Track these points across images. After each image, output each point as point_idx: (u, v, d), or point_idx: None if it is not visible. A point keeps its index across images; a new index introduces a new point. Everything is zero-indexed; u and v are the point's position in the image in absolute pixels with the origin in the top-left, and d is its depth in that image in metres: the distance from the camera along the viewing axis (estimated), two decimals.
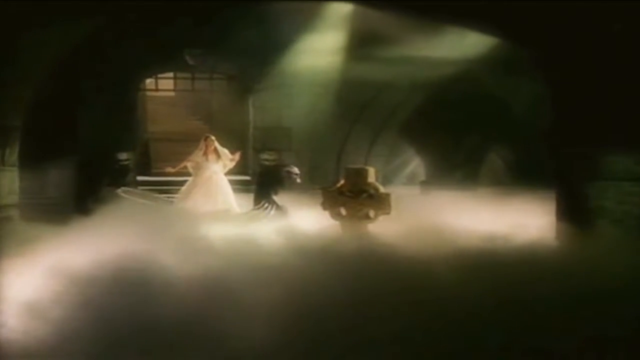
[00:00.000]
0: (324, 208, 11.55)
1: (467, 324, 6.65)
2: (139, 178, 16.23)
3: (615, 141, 9.07)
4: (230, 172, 14.18)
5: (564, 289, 7.22)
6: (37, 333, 6.54)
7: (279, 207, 12.72)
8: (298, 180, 13.10)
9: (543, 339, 6.58)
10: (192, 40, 14.98)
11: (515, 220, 10.55)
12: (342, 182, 11.77)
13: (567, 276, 7.57)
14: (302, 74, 15.33)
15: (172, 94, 21.24)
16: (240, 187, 14.30)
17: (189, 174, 14.14)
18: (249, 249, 8.87)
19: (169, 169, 14.38)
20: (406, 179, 19.21)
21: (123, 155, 15.10)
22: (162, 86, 18.12)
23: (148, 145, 18.61)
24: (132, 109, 16.12)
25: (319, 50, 14.70)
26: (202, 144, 14.04)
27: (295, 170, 13.12)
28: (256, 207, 12.84)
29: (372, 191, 11.34)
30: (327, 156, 16.60)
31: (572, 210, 9.48)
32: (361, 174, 11.60)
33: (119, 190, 13.65)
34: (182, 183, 14.45)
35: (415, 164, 19.51)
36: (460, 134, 17.43)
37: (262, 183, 13.12)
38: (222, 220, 12.02)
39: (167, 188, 15.08)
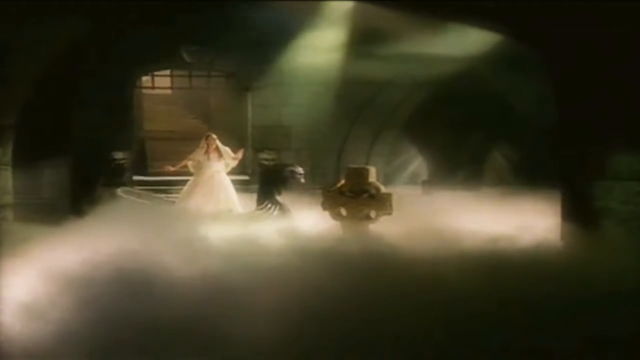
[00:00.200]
0: (324, 208, 11.57)
1: (470, 325, 6.66)
2: (135, 177, 16.23)
3: (620, 140, 9.07)
4: (228, 172, 14.18)
5: (568, 290, 7.23)
6: (33, 333, 6.57)
7: (282, 208, 12.70)
8: (302, 180, 13.08)
9: (547, 341, 6.60)
10: (189, 37, 15.00)
11: (519, 221, 10.55)
12: (342, 181, 11.78)
13: (572, 277, 7.58)
14: (302, 72, 15.33)
15: (168, 91, 21.28)
16: (239, 186, 14.29)
17: (187, 174, 14.14)
18: (251, 250, 8.88)
19: (169, 168, 14.36)
20: (408, 178, 19.23)
21: (119, 155, 15.11)
22: (158, 84, 18.11)
23: (144, 144, 18.59)
24: (128, 107, 16.12)
25: (319, 48, 14.72)
26: (203, 143, 14.03)
27: (299, 170, 13.11)
28: (259, 207, 12.82)
29: (373, 191, 11.36)
30: (327, 155, 16.62)
31: (577, 211, 9.47)
32: (362, 173, 11.61)
33: (119, 190, 13.66)
34: (179, 183, 14.45)
35: (417, 164, 19.54)
36: (463, 133, 17.45)
37: (265, 183, 13.11)
38: (224, 221, 12.02)
39: (164, 188, 15.08)
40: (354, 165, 12.76)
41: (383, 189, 11.52)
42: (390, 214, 11.22)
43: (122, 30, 13.31)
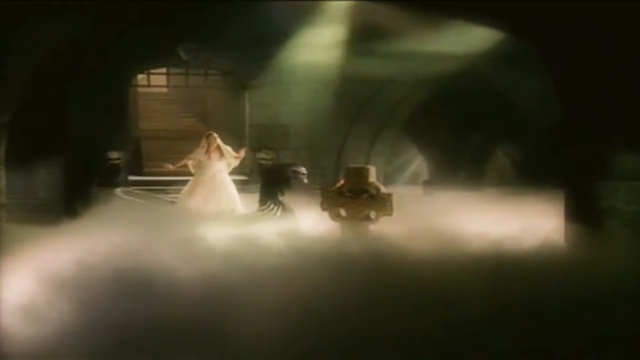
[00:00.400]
0: (323, 209, 11.56)
1: (472, 327, 6.68)
2: (131, 178, 16.22)
3: (625, 139, 9.08)
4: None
5: (573, 291, 7.25)
6: (28, 334, 6.62)
7: (285, 208, 12.68)
8: (305, 180, 13.07)
9: (551, 342, 6.62)
10: (186, 35, 14.98)
11: (522, 222, 10.54)
12: (341, 181, 11.78)
13: (576, 279, 7.59)
14: (300, 70, 15.33)
15: (164, 90, 21.27)
16: (237, 187, 14.27)
17: (184, 174, 14.13)
18: (252, 251, 8.88)
19: (168, 167, 14.30)
20: (408, 178, 19.25)
21: (114, 154, 15.09)
22: (154, 82, 18.12)
23: (140, 143, 18.61)
24: (123, 106, 16.12)
25: (318, 45, 14.70)
26: (204, 142, 14.01)
27: (302, 169, 13.10)
28: (262, 207, 12.81)
29: (373, 191, 11.35)
30: (326, 155, 16.62)
31: (581, 211, 9.48)
32: (362, 173, 11.61)
33: (118, 191, 13.65)
34: (175, 183, 14.44)
35: (418, 163, 19.55)
36: (465, 132, 17.46)
37: (268, 183, 13.10)
38: (226, 221, 12.02)
39: (160, 188, 15.07)
40: (354, 165, 12.77)
41: (383, 189, 11.52)
42: (390, 214, 11.22)
43: (118, 28, 13.28)
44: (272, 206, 12.72)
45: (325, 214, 11.55)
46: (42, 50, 10.70)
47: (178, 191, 14.14)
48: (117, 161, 15.17)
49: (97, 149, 14.76)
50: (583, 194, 9.52)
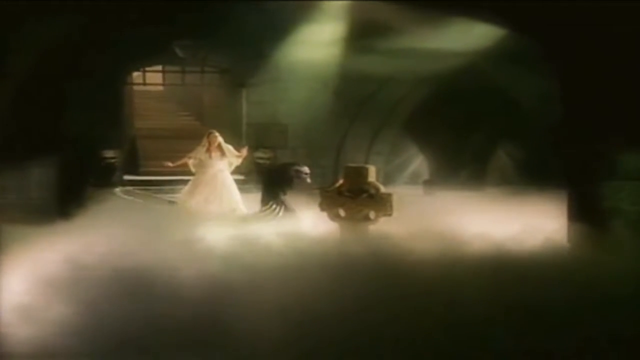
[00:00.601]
0: (322, 209, 11.53)
1: (474, 329, 6.70)
2: (126, 177, 16.22)
3: (629, 138, 9.07)
4: None
5: (575, 292, 7.25)
6: (26, 335, 6.72)
7: (287, 208, 12.66)
8: (308, 180, 13.06)
9: (554, 344, 6.63)
10: (182, 31, 14.97)
11: (524, 222, 10.54)
12: (340, 181, 11.75)
13: (579, 279, 7.59)
14: (299, 68, 15.33)
15: (160, 88, 21.32)
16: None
17: (181, 173, 14.14)
18: (252, 252, 8.89)
19: (168, 164, 14.28)
20: (409, 178, 19.21)
21: (109, 153, 15.10)
22: (150, 80, 18.13)
23: (135, 142, 18.62)
24: (119, 104, 16.13)
25: (317, 42, 14.70)
26: (205, 141, 14.01)
27: (305, 169, 13.09)
28: (264, 207, 12.80)
29: (372, 191, 11.33)
30: (325, 154, 16.61)
31: (585, 212, 9.48)
32: (361, 173, 11.58)
33: (118, 191, 13.66)
34: (172, 182, 14.43)
35: (418, 163, 19.52)
36: (466, 131, 17.45)
37: (270, 183, 13.07)
38: (228, 222, 12.01)
39: (156, 187, 15.07)
40: (353, 164, 12.74)
41: (383, 189, 11.49)
42: (390, 214, 11.20)
43: (114, 26, 13.27)
44: (274, 206, 12.70)
45: (324, 214, 11.53)
46: (37, 49, 10.70)
47: (174, 191, 14.14)
48: (112, 160, 15.19)
49: (92, 148, 14.77)
50: (586, 194, 9.52)
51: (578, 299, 7.12)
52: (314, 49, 14.88)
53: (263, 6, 13.58)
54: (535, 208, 11.74)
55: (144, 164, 17.96)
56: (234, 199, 13.69)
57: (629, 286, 7.44)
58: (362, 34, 14.17)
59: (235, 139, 15.79)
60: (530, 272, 7.86)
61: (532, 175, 15.35)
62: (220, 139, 13.97)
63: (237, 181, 14.75)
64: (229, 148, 14.03)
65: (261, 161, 15.34)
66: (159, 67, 18.39)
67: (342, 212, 11.40)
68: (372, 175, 11.56)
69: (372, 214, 11.26)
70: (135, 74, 17.58)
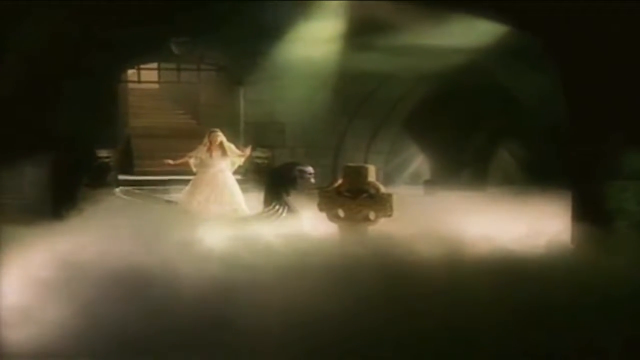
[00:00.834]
0: (321, 209, 11.53)
1: (475, 330, 6.71)
2: (121, 177, 16.20)
3: (634, 137, 9.08)
4: None
5: (580, 294, 7.26)
6: (21, 336, 6.82)
7: (290, 209, 12.65)
8: (312, 180, 13.05)
9: (557, 346, 6.63)
10: (178, 28, 14.95)
11: (527, 223, 10.57)
12: (340, 181, 11.75)
13: (584, 281, 7.60)
14: (297, 65, 15.31)
15: (156, 86, 21.27)
16: None
17: (177, 173, 14.12)
18: (253, 253, 8.90)
19: (169, 162, 14.25)
20: (409, 178, 19.20)
21: (103, 153, 15.07)
22: (145, 77, 18.06)
23: (130, 141, 18.60)
24: (113, 102, 16.09)
25: (316, 39, 14.68)
26: (206, 139, 14.00)
27: (309, 169, 13.08)
28: (266, 208, 12.79)
29: (372, 191, 11.33)
30: (323, 153, 16.60)
31: (589, 212, 9.49)
32: (360, 172, 11.58)
33: (117, 190, 13.65)
34: (166, 183, 14.42)
35: (419, 162, 19.51)
36: (468, 130, 17.44)
37: (273, 183, 13.06)
38: (229, 222, 12.01)
39: (150, 188, 15.05)
40: (352, 164, 12.73)
41: (383, 189, 11.49)
42: (390, 215, 11.20)
43: (109, 23, 13.26)
44: (277, 207, 12.69)
45: (323, 215, 11.53)
46: (30, 47, 10.69)
47: (168, 191, 14.13)
48: (106, 160, 15.16)
49: (86, 147, 14.73)
50: (590, 194, 9.53)
51: (582, 300, 7.13)
52: (312, 46, 14.86)
53: (260, 3, 13.57)
54: (538, 208, 11.76)
55: (139, 163, 17.95)
56: (236, 199, 13.69)
57: (634, 287, 7.44)
58: (361, 31, 14.16)
59: (233, 138, 15.78)
60: (534, 274, 7.88)
61: (535, 175, 15.34)
62: (221, 138, 13.96)
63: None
64: (231, 147, 14.03)
65: (259, 161, 15.32)
66: (154, 65, 18.34)
67: (341, 213, 11.40)
68: (371, 175, 11.56)
69: (371, 215, 11.25)
70: (130, 71, 17.54)
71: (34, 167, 14.02)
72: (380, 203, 11.26)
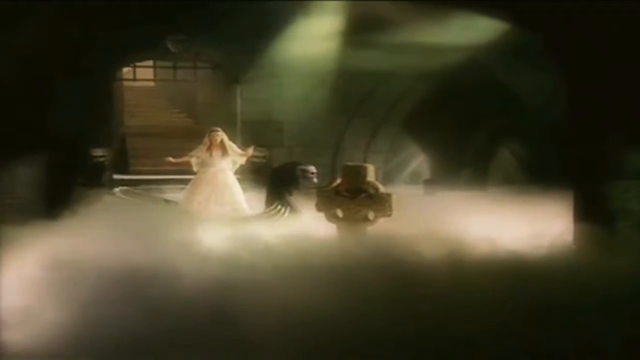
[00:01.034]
0: (319, 209, 11.53)
1: (476, 332, 6.72)
2: (116, 177, 16.20)
3: (637, 136, 9.08)
4: None
5: (582, 295, 7.26)
6: (19, 336, 6.91)
7: (293, 209, 12.64)
8: (315, 180, 13.05)
9: (560, 348, 6.64)
10: (174, 25, 14.94)
11: (528, 223, 10.56)
12: (338, 180, 11.75)
13: (586, 282, 7.60)
14: (295, 63, 15.32)
15: (151, 84, 21.30)
16: None
17: (174, 172, 14.11)
18: (254, 253, 8.91)
19: (170, 160, 14.24)
20: (409, 177, 19.21)
21: (98, 152, 15.06)
22: (140, 75, 18.09)
23: (125, 140, 18.60)
24: (108, 100, 16.08)
25: (314, 37, 14.68)
26: (206, 139, 14.00)
27: (312, 168, 13.07)
28: (268, 208, 12.78)
29: (371, 191, 11.33)
30: (322, 152, 16.60)
31: (591, 212, 9.49)
32: (359, 172, 11.58)
33: (116, 190, 13.65)
34: (163, 182, 14.41)
35: (419, 161, 19.51)
36: (468, 128, 17.45)
37: (275, 183, 13.04)
38: (230, 223, 12.01)
39: (144, 187, 15.05)
40: (351, 163, 12.75)
41: (382, 189, 11.49)
42: (389, 215, 11.20)
43: (104, 21, 13.25)
44: (279, 207, 12.67)
45: (321, 215, 11.52)
46: (19, 41, 10.68)
47: (162, 191, 14.13)
48: (101, 159, 15.14)
49: (79, 146, 14.72)
50: (592, 194, 9.53)
51: (584, 301, 7.13)
52: (310, 43, 14.87)
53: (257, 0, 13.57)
54: (539, 209, 11.77)
55: (134, 162, 17.95)
56: (236, 199, 13.69)
57: (637, 288, 7.44)
58: (360, 29, 14.17)
59: (230, 137, 15.77)
60: (535, 274, 7.88)
61: (536, 175, 15.37)
62: (222, 137, 13.95)
63: None
64: (232, 146, 14.03)
65: (256, 160, 15.31)
66: (150, 63, 18.35)
67: (339, 213, 11.39)
68: (371, 174, 11.55)
69: (371, 215, 11.25)
70: (125, 69, 17.55)
71: (27, 166, 13.99)
72: (380, 203, 11.25)
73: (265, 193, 13.03)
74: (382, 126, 17.57)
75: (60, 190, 13.72)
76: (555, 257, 8.97)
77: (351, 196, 11.34)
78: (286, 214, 12.61)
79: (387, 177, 16.91)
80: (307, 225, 11.87)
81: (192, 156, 13.96)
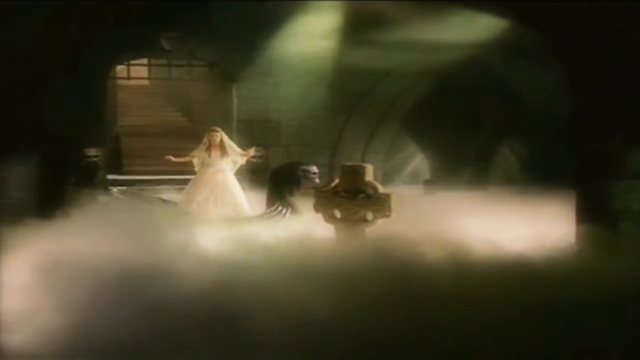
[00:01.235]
0: (316, 210, 11.53)
1: (476, 333, 6.74)
2: (110, 177, 16.20)
3: None
4: None
5: (584, 297, 7.28)
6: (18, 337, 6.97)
7: (294, 210, 12.65)
8: (317, 180, 13.05)
9: (561, 349, 6.67)
10: (168, 23, 14.96)
11: (530, 224, 10.57)
12: (336, 181, 11.75)
13: (588, 283, 7.61)
14: (292, 61, 15.35)
15: (146, 82, 21.29)
16: None
17: (169, 172, 14.13)
18: (254, 254, 8.92)
19: (170, 158, 14.25)
20: (408, 177, 19.23)
21: (91, 151, 15.06)
22: (134, 74, 18.10)
23: (119, 139, 18.61)
24: (102, 99, 16.08)
25: (311, 34, 14.71)
26: (205, 139, 14.02)
27: (313, 168, 13.07)
28: (269, 209, 12.79)
29: (370, 191, 11.33)
30: (319, 152, 16.61)
31: (594, 213, 9.50)
32: (358, 171, 11.58)
33: (115, 190, 13.66)
34: (160, 183, 14.42)
35: (418, 161, 19.54)
36: (468, 128, 17.47)
37: (276, 183, 13.05)
38: (231, 224, 12.02)
39: (141, 188, 15.06)
40: (349, 163, 12.73)
41: (381, 189, 11.48)
42: (388, 216, 11.19)
43: (98, 18, 13.27)
44: (280, 208, 12.68)
45: (319, 216, 11.53)
46: (12, 39, 10.69)
47: (157, 191, 14.14)
48: (94, 159, 15.14)
49: (73, 145, 14.72)
50: (595, 194, 9.55)
51: (587, 302, 7.15)
52: (307, 41, 14.89)
53: None
54: (541, 209, 11.79)
55: (128, 162, 17.96)
56: (236, 200, 13.70)
57: None
58: (358, 26, 14.19)
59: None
60: (537, 275, 7.88)
61: (538, 175, 15.39)
62: (222, 137, 13.96)
63: None
64: (232, 146, 14.04)
65: (253, 160, 15.33)
66: (144, 61, 18.36)
67: (337, 214, 11.38)
68: (369, 174, 11.55)
69: (369, 215, 11.24)
70: (119, 67, 17.56)
71: (20, 166, 14.00)
72: (378, 203, 11.25)
73: (266, 194, 13.04)
74: (381, 125, 17.60)
75: (54, 190, 13.74)
76: (558, 257, 8.96)
77: (349, 196, 11.34)
78: (287, 215, 12.62)
79: (386, 177, 16.90)
80: (308, 226, 11.89)
81: (193, 156, 13.99)
